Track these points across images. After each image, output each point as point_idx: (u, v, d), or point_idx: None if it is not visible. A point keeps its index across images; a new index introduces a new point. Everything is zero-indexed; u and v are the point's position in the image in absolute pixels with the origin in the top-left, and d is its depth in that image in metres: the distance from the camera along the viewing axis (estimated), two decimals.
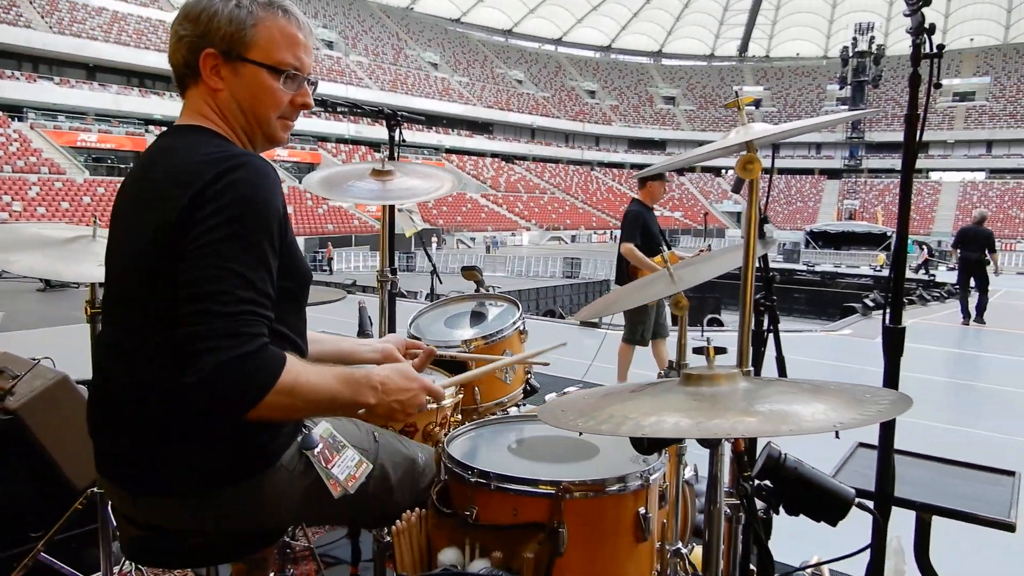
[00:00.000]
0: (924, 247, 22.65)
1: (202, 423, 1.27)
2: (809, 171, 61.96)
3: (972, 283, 11.49)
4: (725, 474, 1.27)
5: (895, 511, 1.94)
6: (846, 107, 53.78)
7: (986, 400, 7.26)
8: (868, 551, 1.85)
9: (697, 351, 1.22)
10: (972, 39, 66.90)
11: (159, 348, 1.24)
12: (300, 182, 41.30)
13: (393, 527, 1.54)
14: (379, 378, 1.36)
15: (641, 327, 5.34)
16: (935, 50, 1.56)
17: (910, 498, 1.88)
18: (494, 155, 58.68)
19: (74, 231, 2.12)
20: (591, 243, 47.44)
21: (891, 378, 1.64)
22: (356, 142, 48.91)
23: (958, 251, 11.25)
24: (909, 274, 26.73)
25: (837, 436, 1.28)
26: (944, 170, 57.99)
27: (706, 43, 78.47)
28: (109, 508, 2.29)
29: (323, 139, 47.07)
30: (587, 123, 66.53)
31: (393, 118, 2.66)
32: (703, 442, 1.16)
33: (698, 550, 2.26)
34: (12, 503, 2.57)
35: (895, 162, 59.05)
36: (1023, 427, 5.86)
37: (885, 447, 1.69)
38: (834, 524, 1.53)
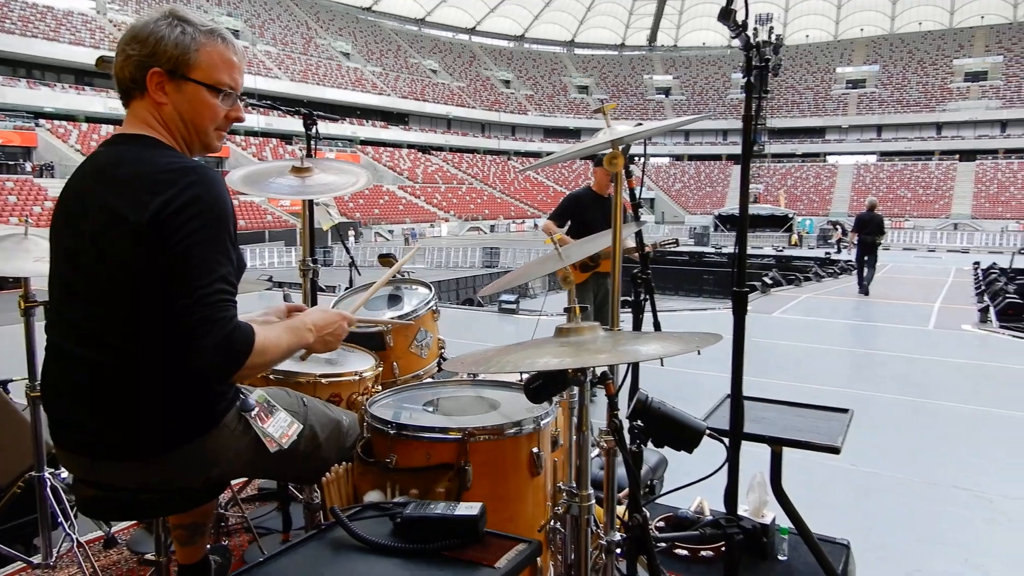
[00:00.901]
0: (839, 227, 23.99)
1: (160, 393, 1.50)
2: (717, 157, 64.44)
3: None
4: (597, 413, 1.57)
5: (757, 452, 2.32)
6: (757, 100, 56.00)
7: (857, 362, 8.04)
8: (727, 479, 2.22)
9: (566, 310, 1.52)
10: (862, 29, 71.06)
11: (129, 326, 1.46)
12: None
13: (323, 479, 1.79)
14: (311, 320, 1.70)
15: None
16: (765, 63, 1.91)
17: (761, 433, 2.26)
18: (410, 146, 58.31)
19: (6, 230, 2.24)
20: (510, 232, 47.99)
21: (737, 332, 2.00)
22: (267, 135, 47.57)
23: (856, 235, 13.37)
24: (808, 252, 28.69)
25: (662, 364, 1.61)
26: (839, 154, 61.44)
27: (617, 33, 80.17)
28: (48, 491, 2.43)
29: (232, 132, 45.62)
30: (503, 113, 66.93)
31: (310, 116, 2.85)
32: (574, 379, 1.45)
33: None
34: None
35: (796, 146, 62.20)
36: (886, 385, 6.61)
37: (735, 392, 2.06)
38: (690, 451, 1.89)
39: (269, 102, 2.50)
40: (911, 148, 58.62)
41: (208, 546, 2.60)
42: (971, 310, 11.97)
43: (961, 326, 10.33)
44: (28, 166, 33.07)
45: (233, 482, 2.89)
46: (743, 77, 2.00)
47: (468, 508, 1.41)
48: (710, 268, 24.67)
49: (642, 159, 2.34)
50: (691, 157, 66.88)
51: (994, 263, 20.83)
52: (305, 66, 54.35)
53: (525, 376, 1.73)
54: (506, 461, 1.76)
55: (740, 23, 1.75)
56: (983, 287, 15.52)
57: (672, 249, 4.03)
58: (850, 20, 71.82)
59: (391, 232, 42.24)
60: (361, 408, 1.92)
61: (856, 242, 13.47)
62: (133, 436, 1.51)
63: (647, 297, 2.25)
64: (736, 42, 1.87)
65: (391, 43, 67.38)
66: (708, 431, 1.84)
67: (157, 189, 1.44)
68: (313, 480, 1.91)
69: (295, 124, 2.83)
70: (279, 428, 1.68)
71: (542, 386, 1.67)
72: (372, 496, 1.72)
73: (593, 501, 1.53)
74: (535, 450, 1.78)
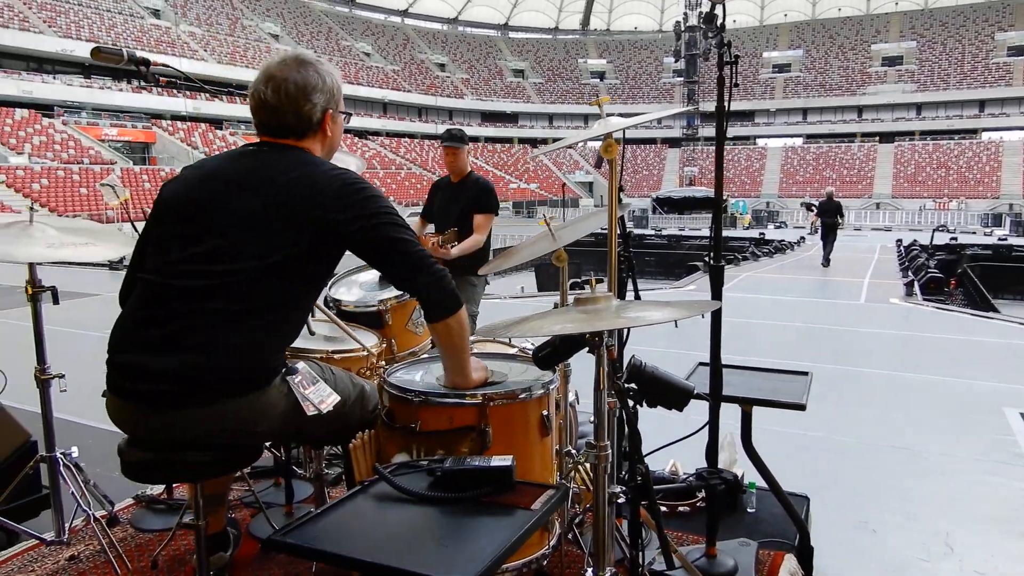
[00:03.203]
0: (812, 209, 24.50)
1: (241, 345, 1.70)
2: (652, 141, 65.68)
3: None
4: (572, 394, 1.76)
5: (727, 411, 2.57)
6: (681, 79, 57.19)
7: (797, 335, 8.55)
8: (707, 436, 2.45)
9: (583, 283, 1.70)
10: (786, 14, 73.33)
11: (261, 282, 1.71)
12: (133, 163, 38.85)
13: (351, 443, 1.94)
14: (481, 364, 2.02)
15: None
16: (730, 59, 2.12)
17: (734, 394, 2.50)
18: (347, 131, 56.91)
19: (11, 218, 2.28)
20: None
21: (714, 295, 2.22)
22: (195, 119, 45.97)
23: (819, 219, 16.29)
24: (743, 233, 29.75)
25: (676, 326, 1.82)
26: (768, 136, 63.54)
27: (550, 16, 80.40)
28: (61, 469, 2.49)
29: (158, 116, 43.86)
30: (439, 97, 66.45)
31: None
32: (591, 342, 1.64)
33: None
34: None
35: (730, 131, 63.89)
36: (824, 356, 7.08)
37: (715, 358, 2.29)
38: (680, 410, 2.11)
39: (199, 83, 2.49)
40: (835, 131, 61.10)
41: None
42: (897, 284, 12.78)
43: (889, 299, 11.05)
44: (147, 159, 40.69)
45: None
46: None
47: (502, 460, 1.58)
48: (650, 249, 25.37)
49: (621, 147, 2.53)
50: (628, 141, 67.76)
51: (915, 240, 22.11)
52: (232, 48, 52.67)
53: (534, 344, 1.92)
54: (521, 423, 1.94)
55: (719, 26, 1.95)
56: (907, 263, 16.54)
57: (466, 248, 4.00)
58: (775, 5, 73.95)
59: None
60: (380, 379, 2.06)
61: (819, 225, 16.38)
62: (203, 382, 1.66)
63: (629, 275, 2.45)
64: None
65: (321, 24, 65.87)
66: (695, 392, 2.06)
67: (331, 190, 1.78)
68: (339, 442, 2.06)
69: (225, 108, 2.87)
70: (319, 396, 1.84)
71: (550, 354, 1.85)
72: (400, 458, 1.87)
73: (609, 452, 1.71)
74: (545, 412, 1.97)
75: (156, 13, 50.76)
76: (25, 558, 2.56)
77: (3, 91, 37.02)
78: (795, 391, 2.65)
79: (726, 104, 2.18)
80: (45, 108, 38.30)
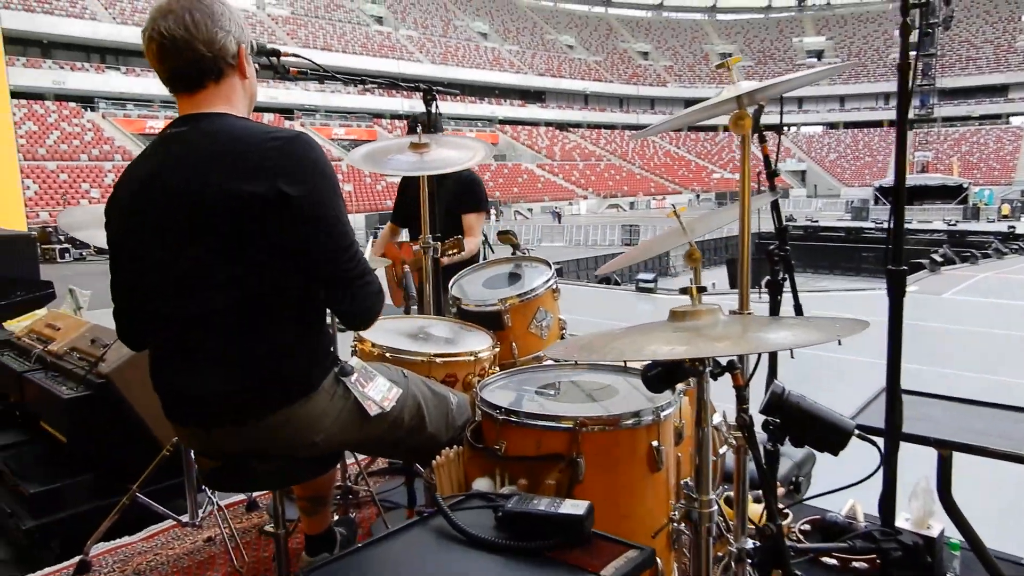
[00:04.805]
0: None
1: (270, 354, 1.54)
2: (877, 123, 59.28)
3: None
4: (718, 415, 1.40)
5: (923, 453, 2.03)
6: (914, 53, 50.79)
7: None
8: (883, 485, 1.95)
9: (683, 291, 1.35)
10: None
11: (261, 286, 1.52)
12: None
13: (434, 461, 1.75)
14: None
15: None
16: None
17: (925, 435, 1.96)
18: (548, 124, 58.30)
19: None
20: (650, 209, 46.85)
21: (894, 316, 1.73)
22: (411, 117, 49.25)
23: None
24: (986, 227, 25.65)
25: (792, 356, 1.40)
26: None
27: None
28: (193, 455, 2.58)
29: (378, 116, 47.77)
30: (641, 86, 65.24)
31: (429, 92, 2.81)
32: (691, 369, 1.29)
33: (728, 494, 2.41)
34: (110, 457, 2.89)
35: (971, 108, 55.97)
36: None
37: (891, 384, 1.79)
38: (835, 453, 1.65)
39: (390, 78, 2.45)
40: None
41: (336, 517, 2.69)
42: None
43: None
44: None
45: (361, 457, 2.96)
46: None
47: (574, 506, 1.29)
48: (870, 245, 22.84)
49: (779, 124, 2.09)
50: (847, 124, 62.04)
51: None
52: (445, 48, 55.68)
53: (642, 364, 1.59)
54: (621, 454, 1.62)
55: None
56: None
57: (457, 257, 2.97)
58: None
59: (530, 211, 42.56)
60: (472, 389, 1.86)
61: None
62: (230, 402, 1.55)
63: (786, 277, 2.01)
64: None
65: (527, 21, 67.41)
66: (857, 431, 1.60)
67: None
68: (424, 460, 1.88)
69: (442, 105, 2.76)
70: (379, 392, 1.67)
71: (662, 374, 1.52)
72: (480, 484, 1.65)
73: (715, 508, 1.36)
74: (655, 443, 1.63)
75: (379, 20, 55.09)
76: (169, 535, 2.71)
77: (258, 98, 42.50)
78: (1018, 434, 2.04)
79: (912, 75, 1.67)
80: (286, 112, 43.30)
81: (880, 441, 1.87)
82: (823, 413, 1.63)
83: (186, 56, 1.53)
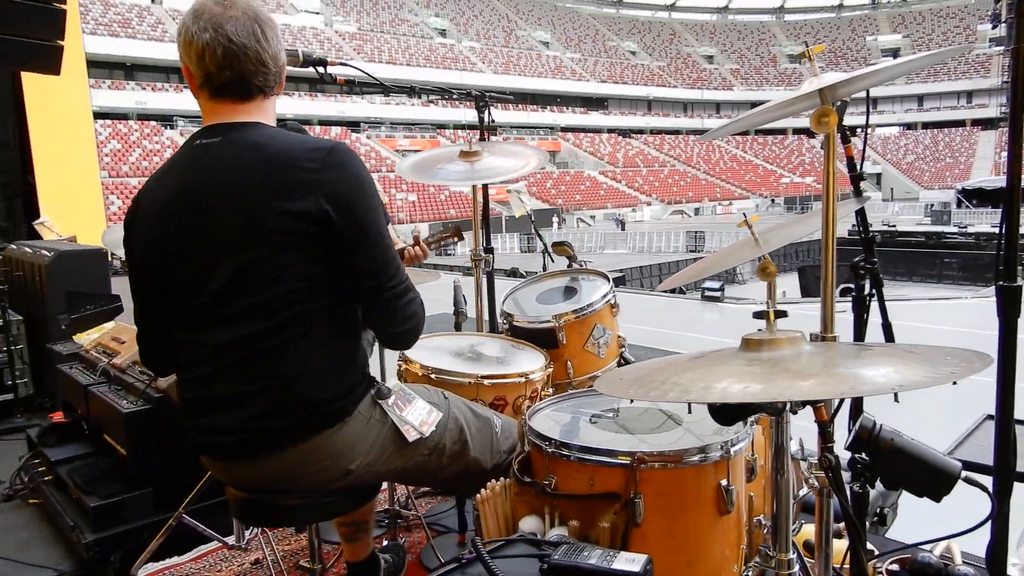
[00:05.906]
0: None
1: (297, 382, 1.42)
2: (959, 123, 56.44)
3: None
4: (795, 442, 1.21)
5: None
6: (1001, 48, 48.24)
7: None
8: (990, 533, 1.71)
9: (757, 315, 1.17)
10: None
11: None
12: None
13: (478, 496, 1.60)
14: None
15: None
16: None
17: None
18: (610, 130, 57.81)
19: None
20: (715, 215, 45.79)
21: (1007, 340, 1.50)
22: (474, 127, 49.58)
23: None
24: None
25: (896, 399, 1.19)
26: None
27: None
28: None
29: (441, 126, 48.30)
30: (706, 90, 63.99)
31: (481, 99, 2.70)
32: (768, 408, 1.12)
33: (807, 528, 2.18)
34: (169, 472, 2.87)
35: None
36: None
37: (1004, 415, 1.55)
38: (938, 499, 1.43)
39: (440, 87, 2.36)
40: None
41: (384, 543, 2.57)
42: None
43: None
44: None
45: None
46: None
47: (629, 562, 1.13)
48: (952, 250, 21.65)
49: (864, 125, 1.88)
50: (925, 125, 59.27)
51: None
52: (507, 58, 55.93)
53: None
54: (686, 494, 1.45)
55: None
56: None
57: (450, 242, 2.57)
58: None
59: (593, 218, 42.19)
60: (521, 416, 1.71)
61: None
62: (247, 433, 1.44)
63: (873, 292, 1.80)
64: None
65: (589, 28, 67.12)
66: (964, 475, 1.38)
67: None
68: (469, 490, 1.74)
69: (501, 115, 2.64)
70: (417, 416, 1.56)
71: (733, 407, 1.34)
72: (528, 523, 1.50)
73: (796, 569, 1.17)
74: (724, 482, 1.45)
75: (443, 32, 55.81)
76: (217, 556, 2.65)
77: (325, 112, 43.71)
78: None
79: None
80: (353, 124, 44.31)
81: (988, 481, 1.63)
82: (922, 453, 1.41)
83: (249, 67, 1.46)
